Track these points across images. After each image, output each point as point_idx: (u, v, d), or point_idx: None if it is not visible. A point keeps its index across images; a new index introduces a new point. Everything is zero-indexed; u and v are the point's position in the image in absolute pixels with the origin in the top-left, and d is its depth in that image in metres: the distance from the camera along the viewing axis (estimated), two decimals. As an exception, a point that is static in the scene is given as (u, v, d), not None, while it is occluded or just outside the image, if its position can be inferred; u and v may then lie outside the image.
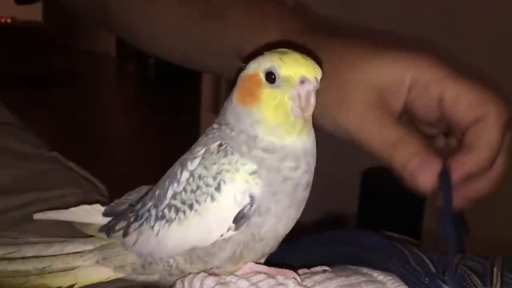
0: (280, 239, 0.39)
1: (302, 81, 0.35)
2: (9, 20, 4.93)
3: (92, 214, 0.43)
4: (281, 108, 0.36)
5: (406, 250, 0.43)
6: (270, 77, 0.36)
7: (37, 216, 0.44)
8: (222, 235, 0.37)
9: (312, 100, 0.35)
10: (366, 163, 1.89)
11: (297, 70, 0.35)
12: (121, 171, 3.04)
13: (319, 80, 0.36)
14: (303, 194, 0.38)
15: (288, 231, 0.39)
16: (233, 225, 0.36)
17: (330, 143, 1.87)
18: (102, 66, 6.23)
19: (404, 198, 1.84)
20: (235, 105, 0.37)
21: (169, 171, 0.39)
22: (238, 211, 0.36)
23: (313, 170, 0.38)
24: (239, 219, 0.36)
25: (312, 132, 0.38)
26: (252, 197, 0.36)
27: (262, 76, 0.36)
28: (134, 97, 5.30)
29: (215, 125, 0.39)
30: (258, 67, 0.36)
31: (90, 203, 0.43)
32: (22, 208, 0.56)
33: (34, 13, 5.44)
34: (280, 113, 0.36)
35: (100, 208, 0.43)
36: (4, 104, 0.75)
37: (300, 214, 0.39)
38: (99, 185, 0.67)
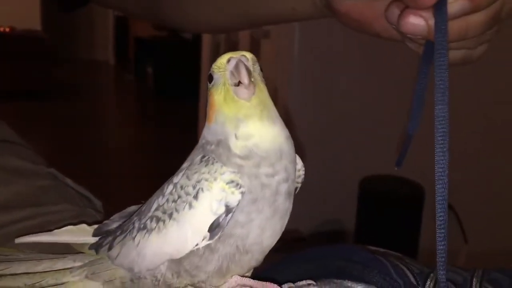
0: (266, 251, 0.40)
1: (228, 61, 0.37)
2: (7, 29, 4.93)
3: (78, 235, 0.43)
4: (228, 95, 0.37)
5: (389, 263, 0.44)
6: (209, 78, 0.38)
7: (19, 240, 0.44)
8: (197, 244, 0.37)
9: (242, 68, 0.36)
10: (363, 172, 1.90)
11: (223, 58, 0.38)
12: (120, 179, 3.05)
13: (249, 57, 0.38)
14: (285, 204, 0.38)
15: (273, 244, 0.39)
16: (208, 234, 0.37)
17: (329, 153, 1.88)
18: (100, 75, 6.25)
19: (401, 205, 1.85)
20: (207, 125, 0.39)
21: (157, 190, 0.40)
22: (213, 220, 0.37)
23: (294, 179, 0.39)
24: (214, 228, 0.37)
25: (280, 124, 0.38)
26: (228, 207, 0.36)
27: (208, 85, 0.38)
28: (133, 106, 5.31)
29: (198, 145, 0.40)
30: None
31: (75, 223, 0.44)
32: (17, 223, 0.57)
33: (33, 22, 5.45)
34: (229, 101, 0.37)
35: (86, 228, 0.43)
36: (4, 116, 0.76)
37: (284, 226, 0.39)
38: (95, 201, 0.68)
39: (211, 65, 0.39)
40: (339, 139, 1.99)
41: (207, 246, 0.37)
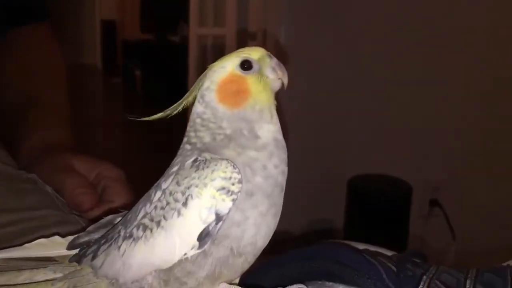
0: (258, 253, 0.38)
1: (269, 56, 0.39)
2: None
3: (51, 248, 0.41)
4: (267, 86, 0.39)
5: (380, 267, 0.43)
6: (246, 65, 0.38)
7: None
8: (185, 254, 0.36)
9: (283, 67, 0.39)
10: (352, 171, 1.89)
11: (262, 51, 0.39)
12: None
13: None
14: (279, 199, 0.38)
15: (265, 245, 0.38)
16: (197, 243, 0.35)
17: (318, 153, 1.88)
18: (88, 78, 6.20)
19: (390, 204, 1.85)
20: (224, 112, 0.38)
21: (143, 197, 0.39)
22: (202, 229, 0.35)
23: (286, 172, 0.39)
24: (203, 237, 0.35)
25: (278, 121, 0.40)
26: (218, 215, 0.35)
27: (237, 71, 0.38)
28: (121, 109, 5.28)
29: (187, 146, 0.39)
30: (226, 68, 0.38)
31: (47, 236, 0.42)
32: (2, 228, 0.56)
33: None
34: (269, 92, 0.39)
35: (59, 240, 0.41)
36: None
37: (276, 225, 0.38)
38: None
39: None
40: (328, 138, 1.98)
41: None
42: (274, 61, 0.39)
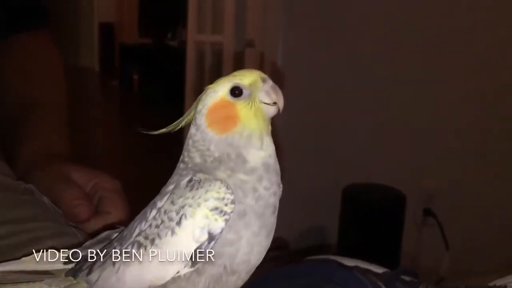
0: (252, 270, 0.39)
1: (263, 80, 0.39)
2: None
3: (48, 262, 0.42)
4: (259, 112, 0.38)
5: (371, 285, 0.44)
6: (236, 91, 0.38)
7: None
8: (178, 272, 0.37)
9: (280, 91, 0.39)
10: (346, 180, 1.90)
11: (255, 75, 0.39)
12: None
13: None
14: (271, 219, 0.38)
15: (259, 262, 0.39)
16: (190, 262, 0.36)
17: (313, 161, 1.87)
18: (85, 81, 6.20)
19: (383, 212, 1.86)
20: (212, 137, 0.39)
21: (139, 214, 0.40)
22: (195, 248, 0.36)
23: (279, 194, 0.39)
24: (196, 256, 0.36)
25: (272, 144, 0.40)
26: (210, 234, 0.36)
27: (228, 97, 0.38)
28: (119, 112, 5.28)
29: (182, 165, 0.40)
30: (218, 94, 0.39)
31: (44, 249, 0.42)
32: (1, 240, 0.56)
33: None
34: (260, 118, 0.38)
35: (56, 254, 0.42)
36: None
37: (269, 243, 0.39)
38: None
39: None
40: (322, 147, 1.99)
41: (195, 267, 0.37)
42: (269, 84, 0.39)
